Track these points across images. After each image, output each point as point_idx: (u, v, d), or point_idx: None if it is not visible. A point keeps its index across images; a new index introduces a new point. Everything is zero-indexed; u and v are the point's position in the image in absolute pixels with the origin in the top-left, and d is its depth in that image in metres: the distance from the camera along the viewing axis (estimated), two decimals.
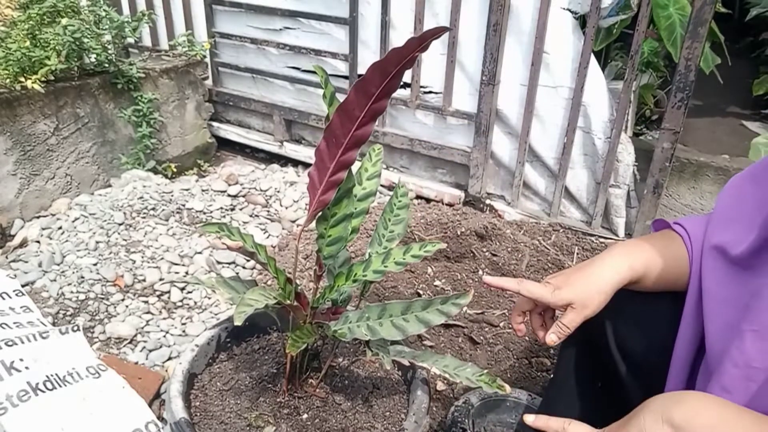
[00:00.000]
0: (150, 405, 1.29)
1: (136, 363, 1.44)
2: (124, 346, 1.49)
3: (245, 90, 2.76)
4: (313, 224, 0.97)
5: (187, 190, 2.23)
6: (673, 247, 0.84)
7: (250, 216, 2.15)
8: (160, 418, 1.27)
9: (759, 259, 0.71)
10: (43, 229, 1.92)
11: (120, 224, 1.93)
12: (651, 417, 0.63)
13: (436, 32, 0.77)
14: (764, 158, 0.78)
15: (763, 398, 0.64)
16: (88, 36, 2.07)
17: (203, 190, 2.24)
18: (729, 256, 0.76)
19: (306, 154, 2.60)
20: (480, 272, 1.83)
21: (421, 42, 0.77)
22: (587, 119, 2.01)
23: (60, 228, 1.91)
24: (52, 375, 1.27)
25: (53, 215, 2.01)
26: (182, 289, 1.71)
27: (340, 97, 0.86)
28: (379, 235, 1.10)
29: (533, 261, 1.89)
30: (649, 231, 0.96)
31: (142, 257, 1.79)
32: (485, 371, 0.90)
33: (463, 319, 1.64)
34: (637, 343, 0.87)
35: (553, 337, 0.85)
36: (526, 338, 1.58)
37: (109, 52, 2.20)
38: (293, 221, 2.15)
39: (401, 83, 2.57)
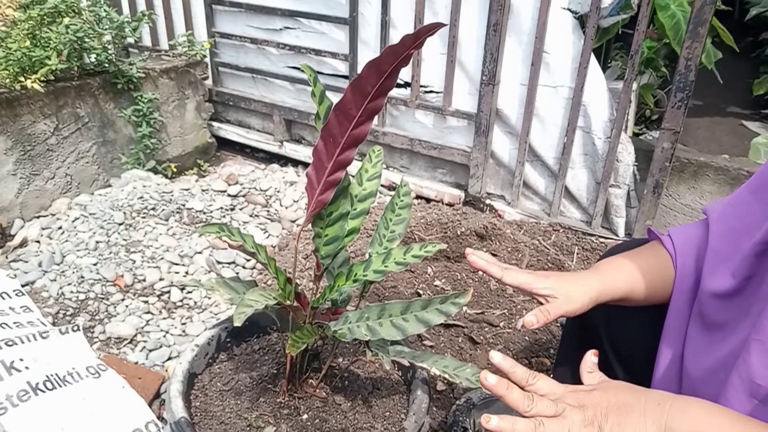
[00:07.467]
0: (150, 405, 1.29)
1: (136, 363, 1.43)
2: (124, 346, 1.49)
3: (245, 90, 2.76)
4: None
5: (187, 190, 2.23)
6: (659, 267, 0.84)
7: (250, 216, 2.15)
8: (160, 418, 1.27)
9: (762, 266, 0.70)
10: (43, 229, 1.92)
11: (120, 224, 1.93)
12: (652, 425, 0.61)
13: (431, 28, 0.76)
14: (759, 171, 0.78)
15: (762, 416, 0.63)
16: (90, 36, 2.07)
17: (203, 190, 2.24)
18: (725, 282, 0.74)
19: (306, 153, 2.60)
20: (480, 272, 1.83)
21: (416, 39, 0.76)
22: (587, 119, 2.01)
23: (60, 228, 1.91)
24: (52, 375, 1.27)
25: (53, 215, 2.01)
26: (182, 289, 1.71)
27: (339, 98, 0.85)
28: (379, 235, 1.09)
29: (533, 261, 1.89)
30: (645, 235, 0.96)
31: (142, 257, 1.79)
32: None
33: (463, 319, 1.64)
34: (631, 346, 0.87)
35: (532, 318, 0.82)
36: (526, 338, 1.58)
37: (110, 52, 2.20)
38: (293, 221, 2.15)
39: (401, 82, 2.55)
